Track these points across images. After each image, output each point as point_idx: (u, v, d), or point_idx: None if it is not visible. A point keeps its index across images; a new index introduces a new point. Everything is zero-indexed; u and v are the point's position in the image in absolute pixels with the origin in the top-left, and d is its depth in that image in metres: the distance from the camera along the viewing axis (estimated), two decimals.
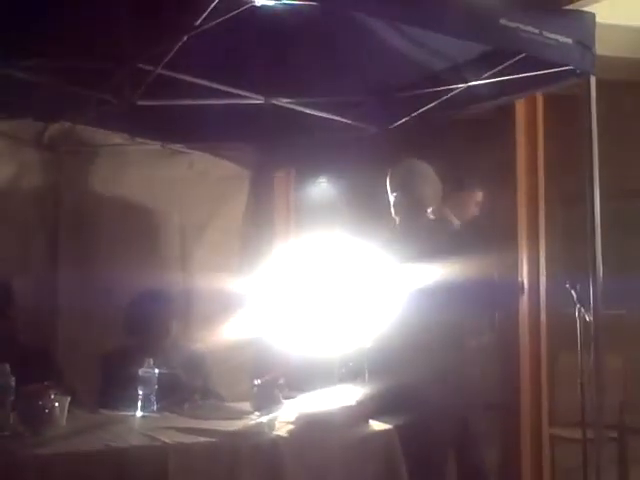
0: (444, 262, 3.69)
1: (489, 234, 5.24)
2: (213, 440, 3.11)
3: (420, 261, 3.72)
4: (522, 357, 5.11)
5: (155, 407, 3.54)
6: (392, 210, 4.09)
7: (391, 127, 4.43)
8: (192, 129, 4.72)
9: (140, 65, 3.65)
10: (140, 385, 3.54)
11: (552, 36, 3.08)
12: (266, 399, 3.46)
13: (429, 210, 4.04)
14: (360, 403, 3.43)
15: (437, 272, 3.66)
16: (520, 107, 5.17)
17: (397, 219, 4.07)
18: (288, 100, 4.22)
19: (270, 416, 3.33)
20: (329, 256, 3.65)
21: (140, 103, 3.83)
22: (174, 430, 3.19)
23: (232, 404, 3.78)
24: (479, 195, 4.49)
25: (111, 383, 3.94)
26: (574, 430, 4.11)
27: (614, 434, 4.53)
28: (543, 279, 5.17)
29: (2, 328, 4.03)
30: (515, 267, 5.16)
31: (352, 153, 4.87)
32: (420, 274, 3.68)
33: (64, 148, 4.77)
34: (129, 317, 4.16)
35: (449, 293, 3.66)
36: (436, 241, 3.89)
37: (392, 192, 4.07)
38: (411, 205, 4.03)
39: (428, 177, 4.07)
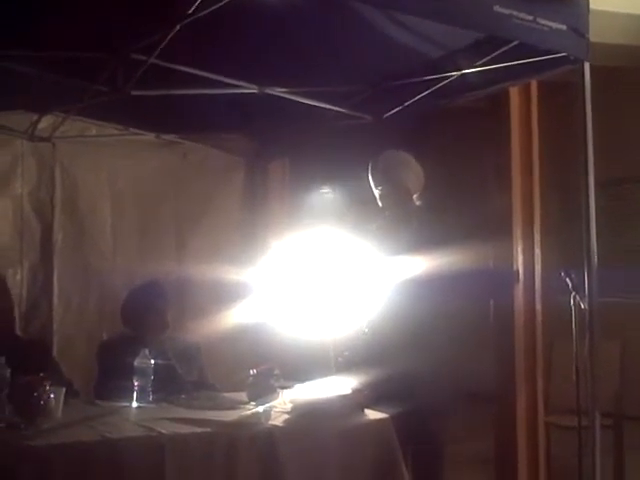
0: (437, 251, 3.69)
1: (484, 223, 5.26)
2: (209, 430, 3.12)
3: (413, 250, 3.72)
4: (517, 345, 5.12)
5: (151, 398, 3.54)
6: (379, 202, 4.08)
7: (385, 116, 4.41)
8: (186, 119, 4.71)
9: (133, 55, 3.64)
10: (136, 376, 3.54)
11: (546, 23, 3.07)
12: (262, 389, 3.46)
13: (415, 196, 4.05)
14: (356, 392, 3.44)
15: (430, 261, 3.66)
16: (514, 94, 5.16)
17: (386, 210, 4.07)
18: (282, 89, 4.21)
19: (266, 406, 3.34)
20: (324, 246, 3.63)
21: (134, 93, 3.81)
22: (170, 421, 3.19)
23: (228, 394, 3.78)
24: None
25: (107, 374, 3.94)
26: (570, 418, 4.12)
27: (610, 422, 4.53)
28: (538, 267, 5.17)
29: None
30: (510, 255, 5.16)
31: (347, 142, 4.86)
32: (414, 263, 3.68)
33: (58, 139, 4.75)
34: (125, 308, 4.17)
35: (443, 282, 3.66)
36: (427, 229, 3.90)
37: (377, 186, 4.06)
38: (398, 196, 4.03)
39: (409, 165, 4.06)
